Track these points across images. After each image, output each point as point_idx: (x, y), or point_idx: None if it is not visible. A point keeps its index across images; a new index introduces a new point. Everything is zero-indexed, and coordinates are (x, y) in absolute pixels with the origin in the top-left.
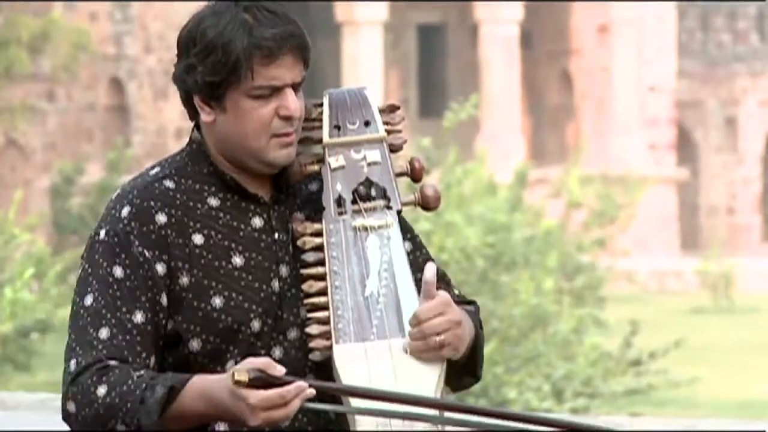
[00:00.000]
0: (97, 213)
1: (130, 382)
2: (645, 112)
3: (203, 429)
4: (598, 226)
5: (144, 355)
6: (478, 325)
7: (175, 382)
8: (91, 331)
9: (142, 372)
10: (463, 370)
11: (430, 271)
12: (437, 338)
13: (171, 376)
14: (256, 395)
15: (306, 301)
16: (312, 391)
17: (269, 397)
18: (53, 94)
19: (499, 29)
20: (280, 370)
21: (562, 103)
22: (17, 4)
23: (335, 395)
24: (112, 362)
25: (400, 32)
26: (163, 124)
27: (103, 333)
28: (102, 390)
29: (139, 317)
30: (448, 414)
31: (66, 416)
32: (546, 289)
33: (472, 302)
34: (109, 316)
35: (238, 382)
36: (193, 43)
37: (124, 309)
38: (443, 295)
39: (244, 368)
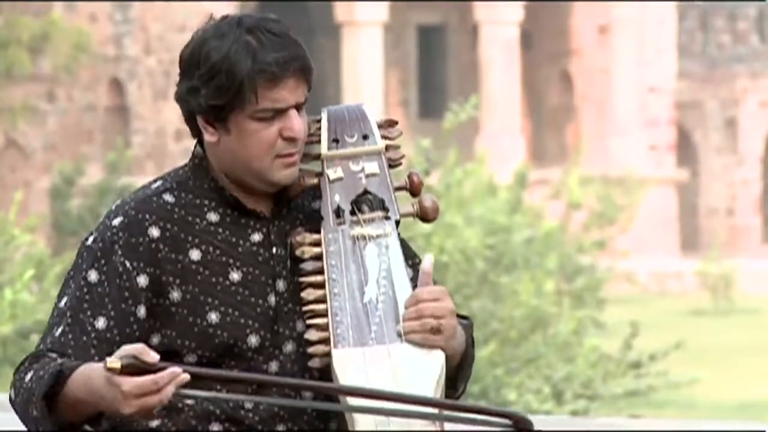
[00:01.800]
0: (97, 214)
1: (47, 367)
2: (645, 113)
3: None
4: (598, 227)
5: (96, 360)
6: (470, 341)
7: (65, 367)
8: (52, 329)
9: (63, 360)
10: (446, 382)
11: (428, 261)
12: (434, 321)
13: (73, 363)
14: (129, 382)
15: (305, 308)
16: (186, 377)
17: (142, 384)
18: (53, 94)
19: (499, 30)
20: (153, 357)
21: (562, 104)
22: (17, 4)
23: (333, 396)
24: (52, 354)
25: (400, 33)
26: (163, 125)
27: (58, 331)
28: (28, 376)
29: (101, 323)
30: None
31: (11, 403)
32: (546, 291)
33: (465, 317)
34: (69, 315)
35: (111, 369)
36: (196, 66)
37: (88, 312)
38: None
39: (117, 355)
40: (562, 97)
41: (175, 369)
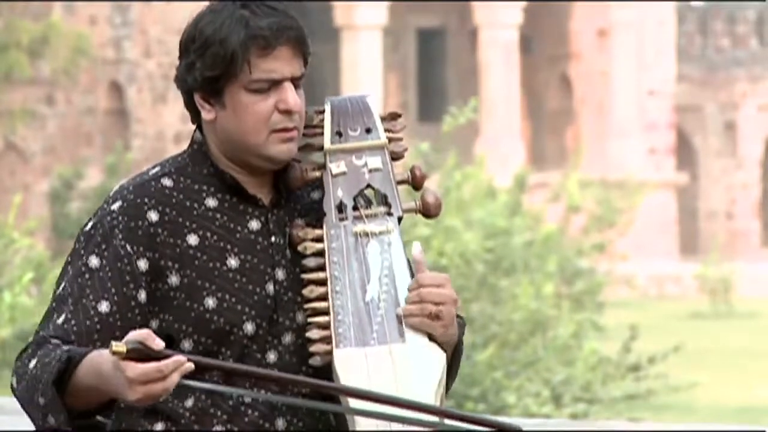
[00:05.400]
0: None
1: (53, 354)
2: (644, 116)
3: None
4: (598, 230)
5: (99, 344)
6: (460, 339)
7: (74, 354)
8: (54, 316)
9: (69, 347)
10: None
11: (417, 249)
12: (433, 307)
13: (80, 349)
14: (134, 368)
15: (307, 305)
16: (190, 366)
17: (147, 371)
18: (53, 98)
19: (498, 33)
20: (159, 344)
21: (562, 107)
22: (17, 6)
23: (334, 395)
24: (54, 340)
25: (399, 36)
26: (163, 128)
27: (60, 318)
28: (32, 363)
29: (104, 307)
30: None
31: (12, 391)
32: (545, 294)
33: (459, 317)
34: (71, 301)
35: (115, 353)
36: (192, 42)
37: (91, 297)
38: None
39: (124, 340)
40: (562, 100)
41: (180, 357)
